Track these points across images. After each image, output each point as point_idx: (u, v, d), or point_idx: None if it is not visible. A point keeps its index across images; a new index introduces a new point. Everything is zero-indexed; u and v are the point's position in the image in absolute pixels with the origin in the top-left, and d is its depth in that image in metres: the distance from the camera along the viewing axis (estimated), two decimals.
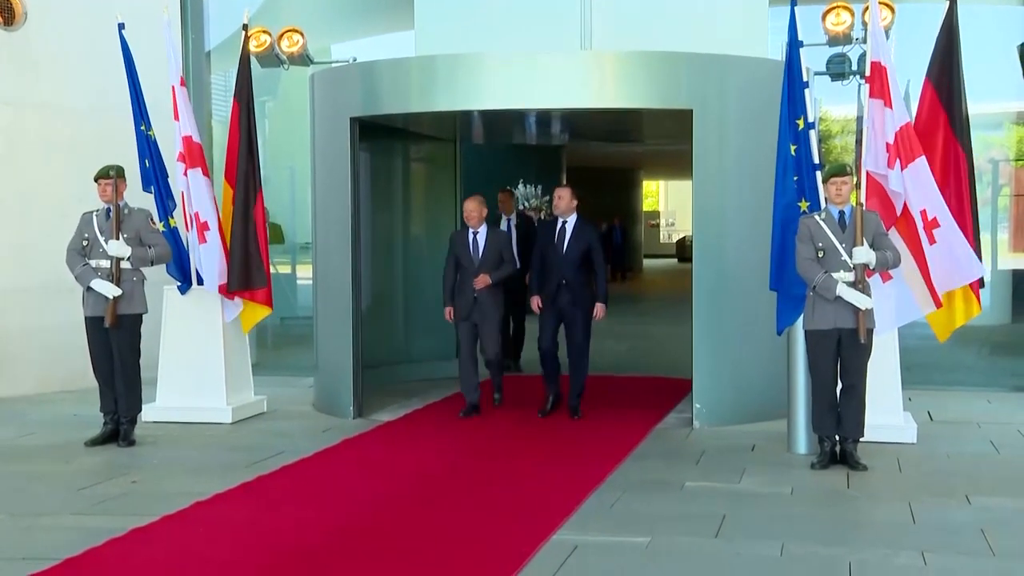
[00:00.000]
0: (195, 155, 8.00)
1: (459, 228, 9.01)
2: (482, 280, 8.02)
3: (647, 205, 35.31)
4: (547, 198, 18.70)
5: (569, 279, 7.85)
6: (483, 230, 8.17)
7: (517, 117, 9.62)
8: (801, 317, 6.68)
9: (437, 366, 10.08)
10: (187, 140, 7.95)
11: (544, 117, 9.48)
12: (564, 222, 7.97)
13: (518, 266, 8.52)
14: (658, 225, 36.82)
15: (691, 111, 7.70)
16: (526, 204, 17.77)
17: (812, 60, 7.83)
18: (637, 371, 10.64)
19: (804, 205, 6.75)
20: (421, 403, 8.81)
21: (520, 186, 18.07)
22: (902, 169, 6.68)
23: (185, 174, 7.98)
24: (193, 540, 5.10)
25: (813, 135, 6.92)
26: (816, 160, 6.88)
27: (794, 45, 6.91)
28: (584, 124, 10.84)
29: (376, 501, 5.79)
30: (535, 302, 7.98)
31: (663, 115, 9.09)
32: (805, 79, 6.89)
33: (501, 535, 5.16)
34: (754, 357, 7.80)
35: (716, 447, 7.10)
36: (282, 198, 12.93)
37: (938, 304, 6.76)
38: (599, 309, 7.87)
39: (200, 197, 7.98)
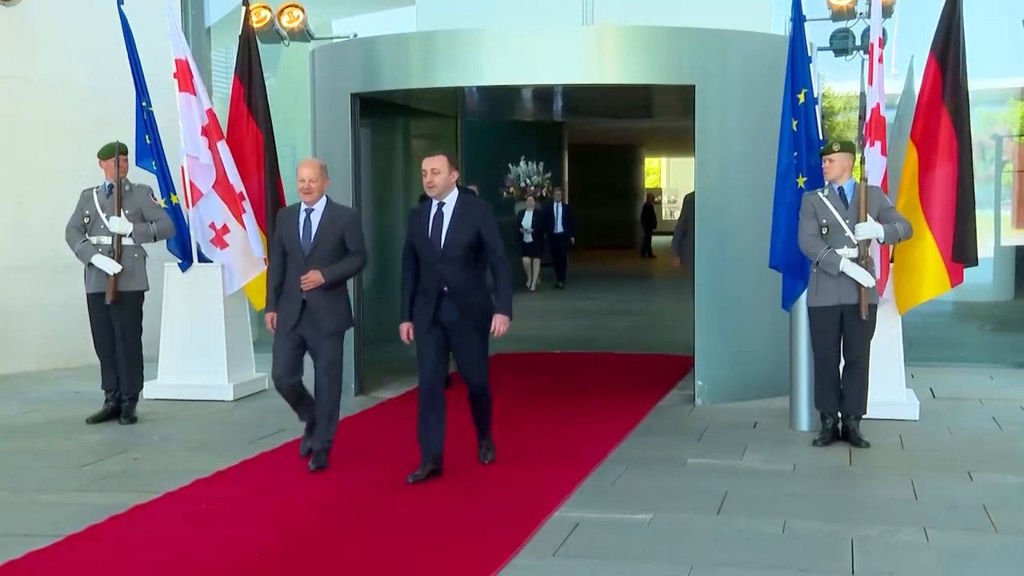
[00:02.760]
0: (217, 128, 8.02)
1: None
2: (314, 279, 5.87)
3: (649, 182, 35.16)
4: (548, 175, 18.67)
5: (453, 284, 5.63)
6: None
7: (518, 93, 9.57)
8: (804, 293, 6.66)
9: None
10: (211, 113, 7.94)
11: (545, 93, 9.42)
12: (441, 205, 5.65)
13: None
14: (660, 202, 36.66)
15: (693, 87, 7.65)
16: (527, 182, 17.72)
17: (815, 35, 7.78)
18: (638, 348, 10.63)
19: (801, 181, 6.72)
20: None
21: (521, 163, 18.02)
22: (869, 147, 6.71)
23: (211, 147, 7.95)
24: (194, 517, 5.09)
25: (817, 111, 6.87)
26: (820, 136, 6.85)
27: (798, 20, 6.86)
28: (585, 100, 10.78)
29: (377, 478, 5.78)
30: (404, 331, 5.74)
31: (665, 91, 9.06)
32: (809, 54, 6.84)
33: (502, 512, 5.16)
34: (756, 334, 7.78)
35: (718, 424, 7.09)
36: (284, 175, 12.87)
37: (881, 290, 6.74)
38: (498, 323, 5.61)
39: (232, 168, 8.02)
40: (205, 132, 7.93)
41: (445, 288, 5.62)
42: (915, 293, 7.05)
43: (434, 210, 5.66)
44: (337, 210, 5.99)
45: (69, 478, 5.85)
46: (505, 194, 17.14)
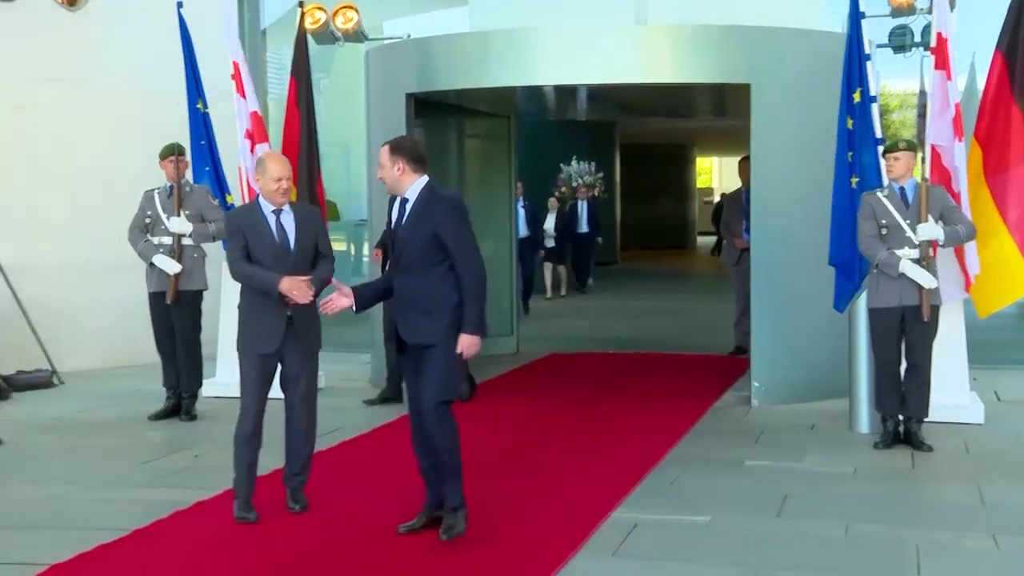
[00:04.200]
0: (262, 131, 8.04)
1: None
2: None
3: (700, 182, 34.94)
4: (600, 175, 18.65)
5: (408, 288, 4.71)
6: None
7: (571, 92, 9.56)
8: (863, 294, 6.58)
9: (493, 342, 10.07)
10: (255, 116, 7.97)
11: (598, 92, 9.41)
12: (404, 201, 4.75)
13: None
14: (711, 202, 36.45)
15: (748, 85, 7.59)
16: (579, 181, 17.70)
17: (872, 32, 7.68)
18: (691, 349, 10.56)
19: (854, 181, 6.65)
20: (478, 380, 8.80)
21: (573, 162, 18.02)
22: (958, 142, 6.60)
23: (253, 150, 7.98)
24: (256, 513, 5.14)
25: (875, 109, 6.79)
26: (878, 135, 6.76)
27: (855, 16, 6.78)
28: (638, 99, 10.76)
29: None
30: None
31: (719, 90, 9.00)
32: (867, 51, 6.76)
33: (560, 512, 5.16)
34: (814, 335, 7.70)
35: (775, 426, 7.03)
36: (336, 176, 12.99)
37: (967, 286, 6.63)
38: (464, 343, 4.63)
39: None
40: (248, 135, 8.00)
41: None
42: (998, 296, 6.90)
43: (396, 205, 4.80)
44: (303, 210, 5.25)
45: (134, 474, 5.94)
46: (557, 194, 17.12)
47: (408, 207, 4.71)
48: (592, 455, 6.33)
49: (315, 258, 5.13)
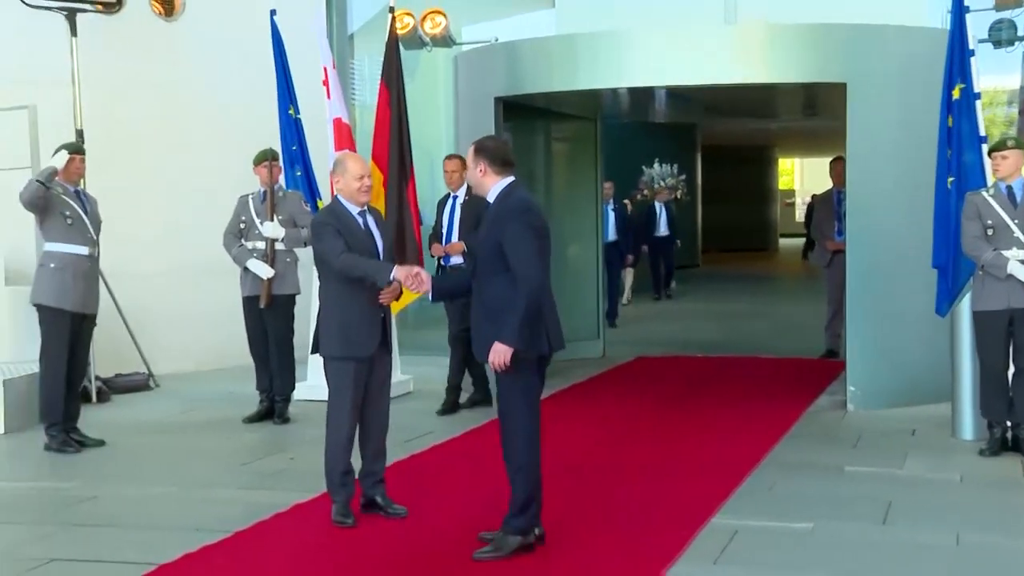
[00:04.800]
0: (344, 137, 8.09)
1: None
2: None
3: (782, 184, 34.45)
4: (683, 177, 18.49)
5: (479, 294, 4.61)
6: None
7: (659, 94, 9.47)
8: (967, 297, 6.40)
9: (579, 346, 10.03)
10: (337, 122, 8.03)
11: (684, 94, 9.31)
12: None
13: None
14: (793, 204, 35.92)
15: (845, 85, 7.44)
16: (661, 184, 17.56)
17: (974, 27, 7.47)
18: (780, 352, 10.39)
19: (950, 181, 6.48)
20: (564, 383, 8.78)
21: (655, 165, 17.90)
22: None
23: None
24: (354, 515, 5.16)
25: (979, 106, 6.60)
26: (982, 133, 6.57)
27: (958, 11, 6.60)
28: (725, 100, 10.62)
29: None
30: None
31: (811, 89, 8.85)
32: (971, 47, 6.58)
33: (658, 518, 5.09)
34: (912, 338, 7.51)
35: (874, 431, 6.86)
36: (421, 180, 13.05)
37: None
38: (493, 350, 4.41)
39: None
40: (334, 142, 8.05)
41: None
42: None
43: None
44: (375, 212, 5.25)
45: (232, 476, 6.03)
46: (639, 196, 17.01)
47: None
48: (686, 460, 6.25)
49: None
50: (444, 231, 7.66)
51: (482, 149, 4.62)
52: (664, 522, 5.01)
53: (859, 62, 7.46)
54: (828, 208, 9.65)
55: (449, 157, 7.78)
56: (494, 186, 4.58)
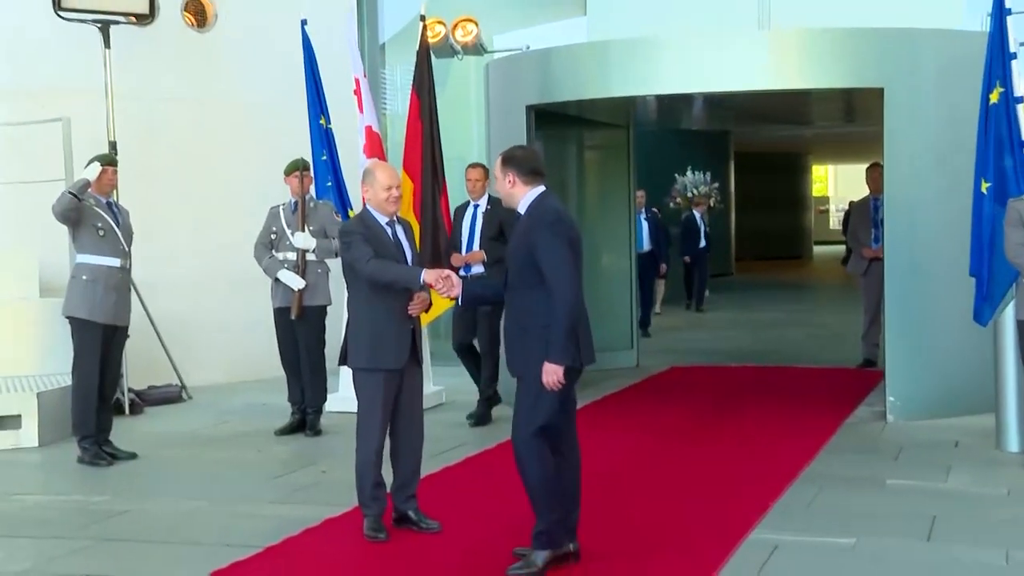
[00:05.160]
0: (375, 145, 8.04)
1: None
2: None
3: (816, 190, 34.16)
4: (716, 185, 18.31)
5: (511, 306, 4.56)
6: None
7: (693, 101, 9.40)
8: (1011, 306, 6.25)
9: (613, 356, 9.94)
10: (368, 130, 7.99)
11: (718, 100, 9.22)
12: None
13: None
14: (827, 211, 35.62)
15: (881, 90, 7.31)
16: (694, 192, 17.41)
17: (1015, 30, 7.33)
18: (816, 362, 10.24)
19: (984, 187, 6.34)
20: (597, 395, 8.68)
21: (688, 172, 17.74)
22: None
23: None
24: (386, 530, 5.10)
25: (1021, 110, 6.46)
26: (1023, 137, 6.43)
27: (1000, 12, 6.47)
28: (759, 106, 10.54)
29: None
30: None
31: (846, 95, 8.74)
32: (1012, 50, 6.44)
33: (696, 532, 4.99)
34: (954, 347, 7.35)
35: (915, 442, 6.72)
36: (452, 188, 13.03)
37: None
38: (544, 372, 4.29)
39: None
40: (365, 151, 8.00)
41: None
42: None
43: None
44: (404, 222, 5.18)
45: (263, 490, 5.98)
46: (672, 204, 16.87)
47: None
48: (723, 471, 6.14)
49: None
50: (464, 240, 7.60)
51: (510, 159, 4.51)
52: (702, 537, 4.91)
53: (896, 67, 7.33)
54: (864, 215, 9.50)
55: (473, 166, 7.72)
56: (524, 196, 4.47)
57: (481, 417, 7.64)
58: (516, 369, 4.44)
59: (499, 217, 7.24)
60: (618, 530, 5.03)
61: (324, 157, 8.03)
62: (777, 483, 5.79)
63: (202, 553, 4.77)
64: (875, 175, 9.24)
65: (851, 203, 9.75)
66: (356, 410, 5.11)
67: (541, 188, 4.49)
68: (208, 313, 9.53)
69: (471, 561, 4.65)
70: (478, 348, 7.75)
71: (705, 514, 5.27)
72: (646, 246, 12.56)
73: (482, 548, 4.82)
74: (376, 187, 4.96)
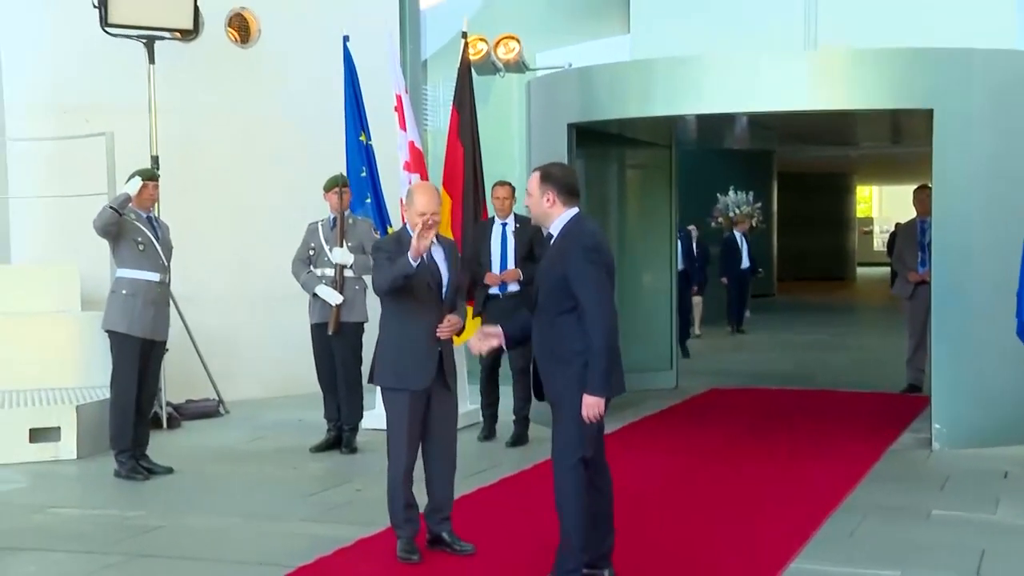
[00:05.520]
0: (418, 161, 7.99)
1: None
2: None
3: (860, 211, 33.81)
4: (759, 204, 18.15)
5: (542, 333, 4.38)
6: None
7: (734, 121, 9.28)
8: None
9: (651, 377, 9.84)
10: (411, 146, 7.95)
11: (764, 121, 9.10)
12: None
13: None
14: (871, 232, 35.25)
15: (931, 111, 7.18)
16: (736, 212, 17.25)
17: None
18: (859, 386, 10.05)
19: None
20: (635, 416, 8.58)
21: (731, 192, 17.60)
22: None
23: (410, 182, 7.94)
24: (420, 552, 5.03)
25: None
26: None
27: None
28: (803, 126, 10.39)
29: None
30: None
31: (892, 116, 8.59)
32: None
33: (735, 560, 4.88)
34: (1003, 373, 7.17)
35: (962, 472, 6.55)
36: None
37: None
38: (585, 405, 4.18)
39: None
40: (407, 167, 7.96)
41: (508, 334, 4.60)
42: None
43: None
44: (448, 243, 5.09)
45: (297, 507, 5.94)
46: (714, 224, 16.71)
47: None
48: (763, 498, 6.01)
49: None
50: (496, 259, 7.44)
51: (550, 177, 4.34)
52: (741, 565, 4.80)
53: (946, 87, 7.19)
54: (911, 238, 9.33)
55: (500, 184, 7.63)
56: (560, 216, 4.30)
57: (519, 438, 7.56)
58: (551, 396, 4.32)
59: (528, 235, 7.18)
60: (655, 555, 4.93)
61: (363, 173, 8.02)
62: (818, 511, 5.66)
63: (234, 571, 4.74)
64: (922, 197, 9.08)
65: (897, 225, 9.58)
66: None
67: (576, 210, 4.35)
68: (246, 328, 9.55)
69: None
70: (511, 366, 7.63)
71: (744, 542, 5.16)
72: (679, 265, 12.43)
73: (517, 571, 4.74)
74: (412, 211, 4.88)
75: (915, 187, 9.54)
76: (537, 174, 4.37)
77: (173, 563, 4.93)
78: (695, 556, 4.95)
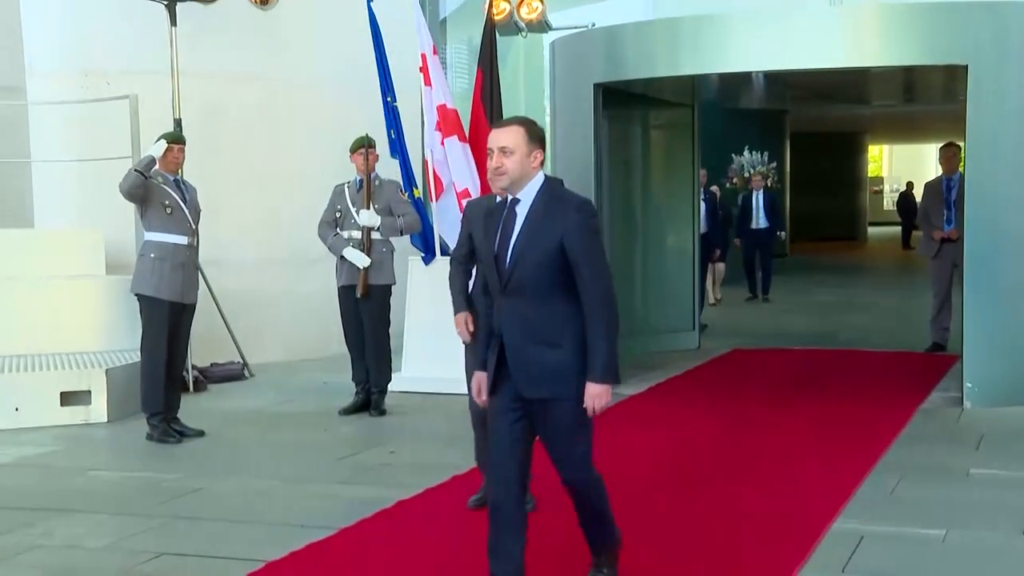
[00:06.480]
0: (451, 123, 7.87)
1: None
2: None
3: (870, 171, 33.64)
4: (774, 164, 18.06)
5: (525, 317, 3.69)
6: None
7: (754, 79, 9.20)
8: None
9: (674, 337, 9.83)
10: (442, 109, 7.86)
11: (783, 78, 9.01)
12: (515, 203, 3.73)
13: None
14: (881, 191, 35.09)
15: (965, 67, 7.09)
16: (751, 172, 17.16)
17: None
18: (882, 346, 10.03)
19: None
20: (662, 376, 8.56)
21: (745, 152, 17.51)
22: None
23: (442, 143, 7.87)
24: (458, 513, 5.04)
25: None
26: None
27: None
28: (822, 84, 10.31)
29: (634, 481, 5.58)
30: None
31: (911, 73, 8.52)
32: None
33: (776, 521, 4.87)
34: None
35: (996, 431, 6.53)
36: None
37: None
38: (591, 395, 3.63)
39: (458, 166, 7.83)
40: (438, 128, 7.89)
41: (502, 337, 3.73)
42: None
43: (505, 211, 3.75)
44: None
45: (331, 470, 5.94)
46: (728, 184, 16.63)
47: (521, 212, 3.68)
48: (795, 459, 6.01)
49: None
50: None
51: (536, 133, 3.71)
52: (783, 526, 4.79)
53: (981, 42, 7.10)
54: (937, 196, 9.27)
55: None
56: (535, 180, 3.70)
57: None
58: (544, 391, 3.66)
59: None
60: (697, 520, 4.92)
61: (393, 135, 7.95)
62: (855, 471, 5.64)
63: (277, 533, 4.74)
64: (949, 154, 9.02)
65: (909, 184, 9.52)
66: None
67: (543, 174, 3.75)
68: (270, 291, 9.52)
69: (545, 548, 4.57)
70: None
71: (783, 504, 5.14)
72: (703, 227, 12.22)
73: (554, 533, 4.74)
74: None
75: (940, 145, 9.47)
76: (520, 128, 3.69)
77: (216, 524, 4.94)
78: (739, 517, 4.94)
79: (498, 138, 3.67)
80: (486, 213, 3.86)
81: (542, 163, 3.72)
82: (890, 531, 4.69)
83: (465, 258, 4.97)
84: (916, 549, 4.47)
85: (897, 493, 5.31)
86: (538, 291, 3.64)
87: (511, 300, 3.69)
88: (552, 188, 3.73)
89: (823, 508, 5.01)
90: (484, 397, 3.82)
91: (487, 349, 3.82)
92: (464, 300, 4.97)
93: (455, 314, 4.99)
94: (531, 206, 3.68)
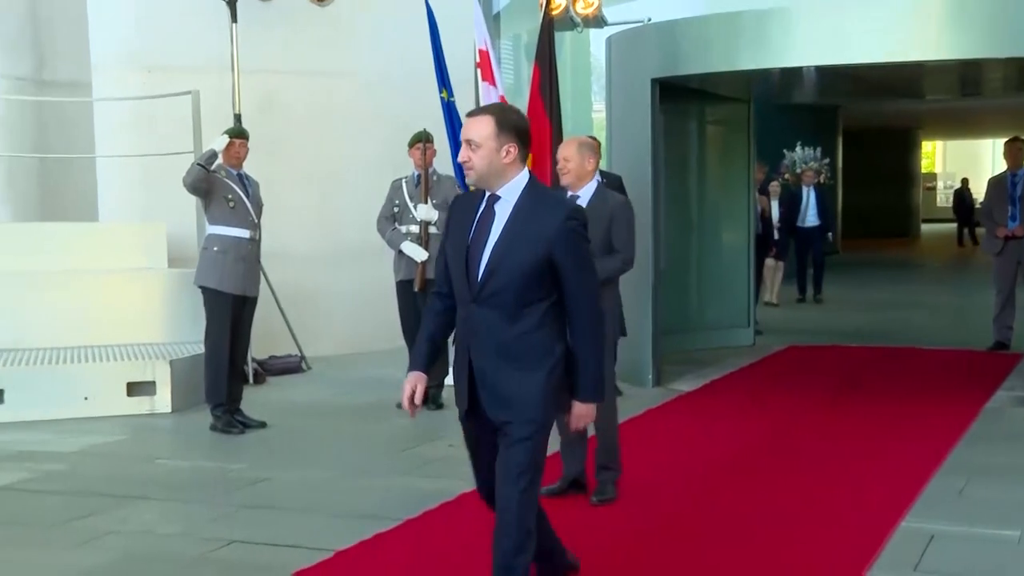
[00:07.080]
0: None
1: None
2: None
3: (923, 167, 33.20)
4: (826, 160, 17.87)
5: (494, 332, 3.37)
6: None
7: (810, 75, 9.08)
8: None
9: (729, 333, 9.77)
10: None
11: (848, 72, 8.89)
12: (495, 200, 3.36)
13: None
14: (935, 188, 34.60)
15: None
16: (803, 167, 16.99)
17: None
18: (942, 343, 9.89)
19: None
20: (718, 373, 8.52)
21: (797, 148, 17.34)
22: None
23: None
24: None
25: None
26: None
27: None
28: (878, 79, 10.14)
29: (696, 479, 5.57)
30: (407, 390, 3.53)
31: (970, 67, 8.35)
32: None
33: (843, 520, 4.83)
34: None
35: None
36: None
37: None
38: (576, 414, 3.44)
39: None
40: None
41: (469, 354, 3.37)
42: None
43: (482, 207, 3.36)
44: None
45: (393, 462, 5.98)
46: (781, 180, 16.47)
47: (500, 210, 3.30)
48: (860, 457, 5.94)
49: None
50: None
51: (515, 126, 3.30)
52: (851, 524, 4.74)
53: None
54: (1001, 192, 9.13)
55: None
56: (516, 179, 3.31)
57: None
58: (511, 415, 3.32)
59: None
60: (764, 517, 4.89)
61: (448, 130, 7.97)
62: (921, 471, 5.58)
63: (342, 524, 4.78)
64: (1014, 149, 8.89)
65: (989, 180, 9.35)
66: None
67: (527, 171, 3.35)
68: (327, 285, 9.60)
69: (606, 541, 4.57)
70: None
71: (850, 502, 5.09)
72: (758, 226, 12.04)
73: (616, 527, 4.73)
74: None
75: (1005, 140, 9.32)
76: (492, 119, 3.28)
77: (283, 514, 4.99)
78: (806, 515, 4.91)
79: (466, 129, 3.30)
80: (459, 208, 3.44)
81: (520, 160, 3.31)
82: (961, 531, 4.63)
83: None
84: (990, 549, 4.42)
85: (966, 493, 5.24)
86: (515, 303, 3.28)
87: (483, 311, 3.30)
88: (537, 188, 3.36)
89: (890, 507, 4.97)
90: (418, 402, 3.48)
91: (427, 349, 3.50)
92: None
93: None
94: (515, 206, 3.29)
